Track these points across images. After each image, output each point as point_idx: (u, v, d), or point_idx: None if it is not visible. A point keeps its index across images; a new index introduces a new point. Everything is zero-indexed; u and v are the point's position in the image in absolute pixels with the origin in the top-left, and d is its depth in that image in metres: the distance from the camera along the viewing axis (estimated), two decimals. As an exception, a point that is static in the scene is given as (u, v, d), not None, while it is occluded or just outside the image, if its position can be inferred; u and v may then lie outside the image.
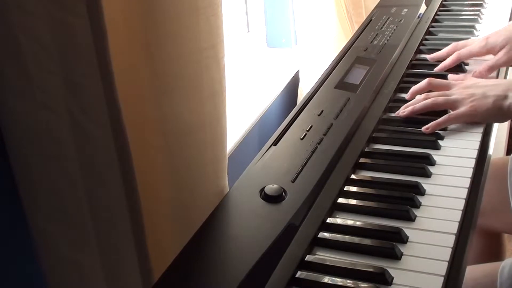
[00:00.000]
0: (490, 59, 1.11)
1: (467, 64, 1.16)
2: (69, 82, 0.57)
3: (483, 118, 0.95)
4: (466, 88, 0.97)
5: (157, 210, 0.76)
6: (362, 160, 0.88)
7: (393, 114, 1.00)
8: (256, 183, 0.79)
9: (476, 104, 0.93)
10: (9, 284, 0.67)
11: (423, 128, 0.94)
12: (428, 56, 1.18)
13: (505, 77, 1.13)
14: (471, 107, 0.93)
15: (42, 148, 0.57)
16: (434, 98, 0.96)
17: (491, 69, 1.09)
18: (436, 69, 1.13)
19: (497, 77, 1.11)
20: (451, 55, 1.14)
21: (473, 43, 1.13)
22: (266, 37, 1.73)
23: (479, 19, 1.38)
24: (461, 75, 1.08)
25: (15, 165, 0.59)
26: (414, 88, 1.02)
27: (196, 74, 0.70)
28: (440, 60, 1.15)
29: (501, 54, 1.08)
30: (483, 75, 1.09)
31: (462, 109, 0.94)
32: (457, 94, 0.96)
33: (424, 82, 1.01)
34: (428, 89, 1.01)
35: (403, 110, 0.98)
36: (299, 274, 0.67)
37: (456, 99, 0.95)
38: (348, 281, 0.66)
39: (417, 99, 0.99)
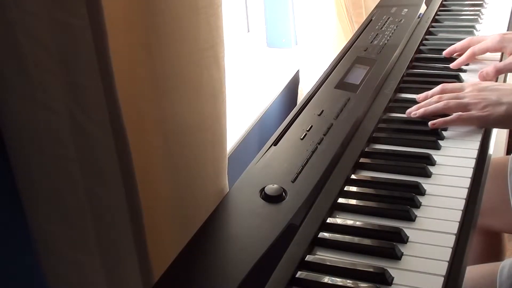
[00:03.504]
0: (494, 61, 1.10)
1: (467, 64, 1.16)
2: (69, 82, 0.57)
3: (494, 124, 0.93)
4: (480, 91, 0.94)
5: (157, 210, 0.76)
6: (362, 160, 0.88)
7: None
8: (256, 183, 0.79)
9: (488, 109, 0.91)
10: (9, 284, 0.67)
11: (430, 123, 0.93)
12: (444, 52, 1.17)
13: (504, 80, 1.12)
14: (483, 112, 0.91)
15: (42, 148, 0.57)
16: (446, 101, 0.95)
17: (499, 71, 1.08)
18: (452, 65, 1.13)
19: (496, 80, 1.10)
20: (465, 49, 1.13)
21: (487, 38, 1.13)
22: (266, 37, 1.73)
23: (479, 19, 1.38)
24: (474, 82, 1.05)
25: (15, 165, 0.59)
26: (427, 93, 1.00)
27: (196, 74, 0.70)
28: (455, 56, 1.15)
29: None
30: (490, 76, 1.08)
31: (473, 112, 0.92)
32: (470, 97, 0.94)
33: (437, 89, 0.99)
34: (442, 94, 0.99)
35: (415, 112, 0.97)
36: (299, 274, 0.67)
37: (469, 103, 0.93)
38: (348, 281, 0.66)
39: (429, 101, 0.97)
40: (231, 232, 0.74)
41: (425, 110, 0.96)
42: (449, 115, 0.94)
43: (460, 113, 0.93)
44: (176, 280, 0.67)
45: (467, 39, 1.15)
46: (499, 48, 1.11)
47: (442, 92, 0.99)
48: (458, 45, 1.16)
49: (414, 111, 0.97)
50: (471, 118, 0.92)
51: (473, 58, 1.13)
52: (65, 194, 0.60)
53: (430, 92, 1.00)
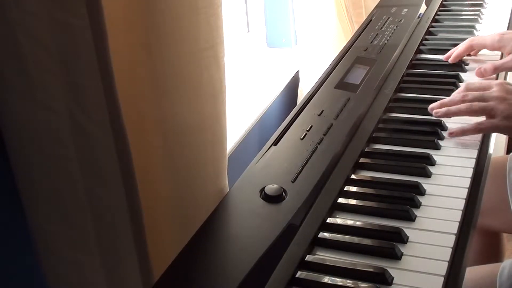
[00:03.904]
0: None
1: (467, 64, 1.16)
2: (69, 82, 0.57)
3: None
4: (508, 94, 0.89)
5: (157, 210, 0.76)
6: (362, 160, 0.88)
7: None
8: (256, 183, 0.79)
9: None
10: (9, 284, 0.67)
11: (448, 133, 0.90)
12: (443, 57, 1.16)
13: (504, 78, 1.12)
14: (507, 121, 0.87)
15: (42, 148, 0.57)
16: (469, 104, 0.90)
17: (496, 69, 1.08)
18: (450, 60, 1.13)
19: (497, 75, 1.11)
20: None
21: (487, 36, 1.13)
22: (266, 37, 1.73)
23: (479, 19, 1.38)
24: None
25: (15, 165, 0.59)
26: (454, 93, 0.96)
27: (196, 74, 0.70)
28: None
29: (510, 57, 1.07)
30: (487, 73, 1.08)
31: (494, 121, 0.88)
32: (496, 101, 0.89)
33: (462, 87, 0.95)
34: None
35: (437, 110, 0.93)
36: (299, 274, 0.67)
37: (493, 108, 0.88)
38: (348, 281, 0.66)
39: (452, 100, 0.93)
40: (231, 232, 0.74)
41: (448, 110, 0.92)
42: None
43: (479, 122, 0.90)
44: (176, 280, 0.67)
45: (468, 39, 1.15)
46: (498, 47, 1.11)
47: (467, 90, 0.94)
48: (459, 46, 1.15)
49: (436, 109, 0.94)
50: (492, 127, 0.89)
51: (470, 51, 1.14)
52: (65, 194, 0.60)
53: (455, 93, 0.96)
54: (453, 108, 0.92)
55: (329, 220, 0.75)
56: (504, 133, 0.92)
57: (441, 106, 0.94)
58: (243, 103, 1.43)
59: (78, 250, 0.63)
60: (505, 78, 1.13)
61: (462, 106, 0.91)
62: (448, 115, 0.93)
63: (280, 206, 0.75)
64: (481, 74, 1.08)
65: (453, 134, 0.91)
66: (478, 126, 0.90)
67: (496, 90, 0.91)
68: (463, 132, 0.91)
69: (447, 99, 0.95)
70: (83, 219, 0.62)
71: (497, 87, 0.91)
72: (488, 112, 0.90)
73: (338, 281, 0.66)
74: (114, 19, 0.64)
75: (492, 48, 1.12)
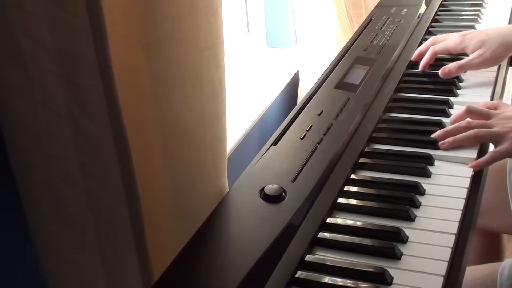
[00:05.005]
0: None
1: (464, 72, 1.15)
2: (69, 82, 0.57)
3: None
4: (508, 120, 0.90)
5: (157, 210, 0.76)
6: (362, 160, 0.88)
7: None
8: (256, 183, 0.79)
9: None
10: (9, 284, 0.67)
11: (470, 165, 0.87)
12: (412, 58, 1.16)
13: (505, 77, 1.12)
14: None
15: (42, 148, 0.57)
16: (476, 130, 0.90)
17: (461, 68, 1.09)
18: (420, 69, 1.13)
19: (496, 75, 1.10)
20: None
21: (449, 38, 1.13)
22: (266, 37, 1.73)
23: (479, 19, 1.38)
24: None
25: (15, 165, 0.59)
26: (453, 117, 0.95)
27: (196, 74, 0.70)
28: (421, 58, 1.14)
29: (474, 55, 1.07)
30: (452, 73, 1.08)
31: (505, 145, 0.87)
32: (499, 127, 0.89)
33: (462, 110, 0.94)
34: (467, 117, 0.94)
35: (443, 141, 0.91)
36: (299, 274, 0.67)
37: (498, 133, 0.89)
38: (348, 281, 0.66)
39: (457, 127, 0.92)
40: (231, 232, 0.74)
41: (455, 140, 0.90)
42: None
43: (495, 150, 0.89)
44: (175, 280, 0.67)
45: (431, 38, 1.15)
46: (460, 48, 1.10)
47: (468, 112, 0.94)
48: (422, 46, 1.15)
49: (440, 138, 0.91)
50: (503, 152, 0.88)
51: (434, 57, 1.13)
52: (65, 194, 0.60)
53: (456, 115, 0.95)
54: (460, 136, 0.90)
55: (329, 220, 0.76)
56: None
57: (445, 135, 0.92)
58: (243, 103, 1.43)
59: (78, 250, 0.63)
60: (505, 74, 1.12)
61: (470, 132, 0.90)
62: (456, 143, 0.90)
63: (280, 206, 0.75)
64: (446, 74, 1.08)
65: (477, 167, 0.87)
66: (494, 154, 0.88)
67: (497, 119, 0.91)
68: (486, 163, 0.87)
69: (450, 127, 0.93)
70: (83, 219, 0.62)
71: (497, 116, 0.92)
72: (494, 138, 0.89)
73: (338, 281, 0.66)
74: (114, 19, 0.64)
75: (455, 51, 1.12)
